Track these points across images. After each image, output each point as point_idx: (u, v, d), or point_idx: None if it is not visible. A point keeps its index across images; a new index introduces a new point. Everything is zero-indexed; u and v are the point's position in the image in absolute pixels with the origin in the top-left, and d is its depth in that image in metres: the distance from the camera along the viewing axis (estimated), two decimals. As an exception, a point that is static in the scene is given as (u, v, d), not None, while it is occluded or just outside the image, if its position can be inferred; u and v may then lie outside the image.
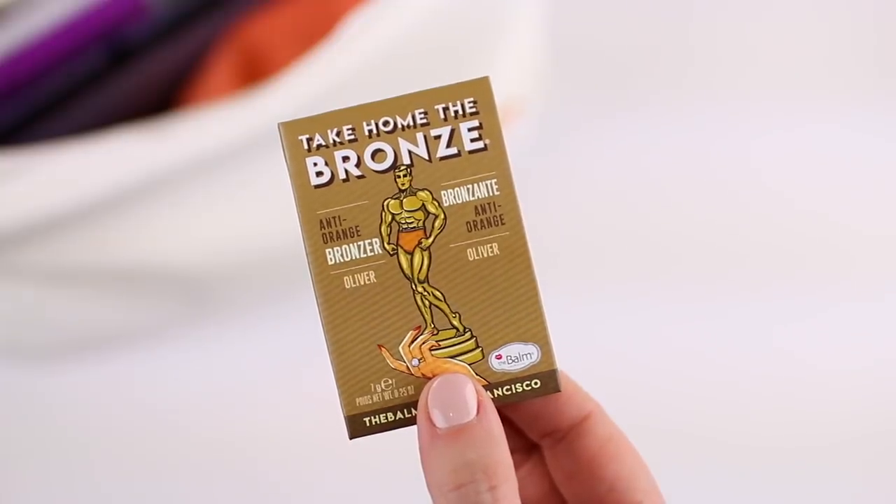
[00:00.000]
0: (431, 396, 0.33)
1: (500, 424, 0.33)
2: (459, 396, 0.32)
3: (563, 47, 0.73)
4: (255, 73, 0.61)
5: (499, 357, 0.33)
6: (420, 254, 0.33)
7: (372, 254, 0.32)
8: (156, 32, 0.61)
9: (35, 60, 0.58)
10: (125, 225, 0.57)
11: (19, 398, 0.66)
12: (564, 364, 0.34)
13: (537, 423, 0.37)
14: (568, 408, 0.36)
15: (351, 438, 0.34)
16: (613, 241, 0.70)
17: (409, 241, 0.33)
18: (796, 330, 0.67)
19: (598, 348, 0.65)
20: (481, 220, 0.32)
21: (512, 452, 0.39)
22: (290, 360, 0.65)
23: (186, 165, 0.55)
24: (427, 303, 0.33)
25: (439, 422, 0.32)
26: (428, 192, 0.32)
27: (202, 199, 0.57)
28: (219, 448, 0.65)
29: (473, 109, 0.33)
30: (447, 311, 0.33)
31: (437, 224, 0.33)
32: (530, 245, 0.33)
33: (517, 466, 0.39)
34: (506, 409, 0.36)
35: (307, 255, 0.33)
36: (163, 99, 0.62)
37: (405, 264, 0.32)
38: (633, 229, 0.71)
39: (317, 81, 0.56)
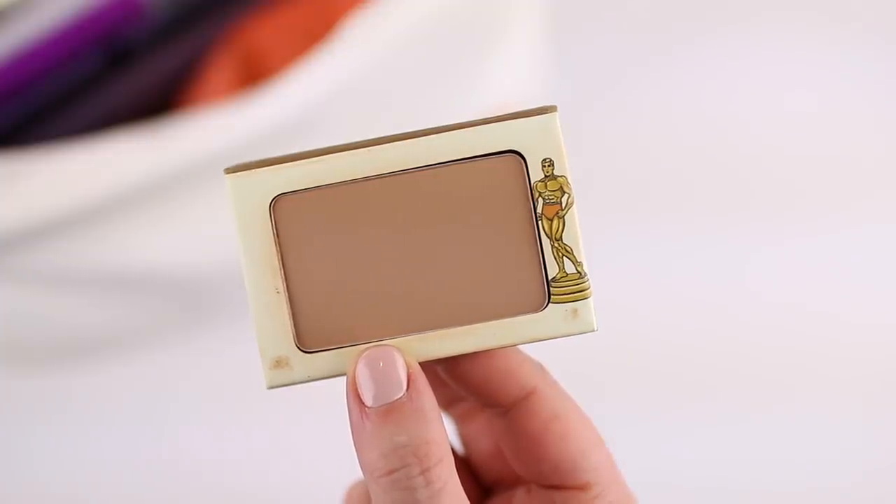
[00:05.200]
0: (360, 371, 0.32)
1: (433, 398, 0.32)
2: (389, 370, 0.32)
3: (565, 48, 0.73)
4: (254, 74, 0.61)
5: None
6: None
7: None
8: (154, 34, 0.61)
9: (33, 63, 0.57)
10: (124, 228, 0.56)
11: (17, 400, 0.66)
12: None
13: (478, 396, 0.36)
14: (506, 386, 0.35)
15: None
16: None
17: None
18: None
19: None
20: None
21: (465, 403, 0.39)
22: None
23: (186, 168, 0.55)
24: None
25: (368, 399, 0.31)
26: None
27: (202, 202, 0.57)
28: (219, 450, 0.64)
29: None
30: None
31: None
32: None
33: (471, 419, 0.39)
34: (446, 375, 0.36)
35: None
36: (162, 101, 0.62)
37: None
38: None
39: (317, 83, 0.55)
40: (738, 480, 0.64)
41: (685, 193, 0.71)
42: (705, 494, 0.64)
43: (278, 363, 0.34)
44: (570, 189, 0.33)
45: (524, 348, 0.35)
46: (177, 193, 0.56)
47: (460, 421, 0.39)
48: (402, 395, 0.31)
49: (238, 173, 0.34)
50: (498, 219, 0.34)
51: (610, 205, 0.70)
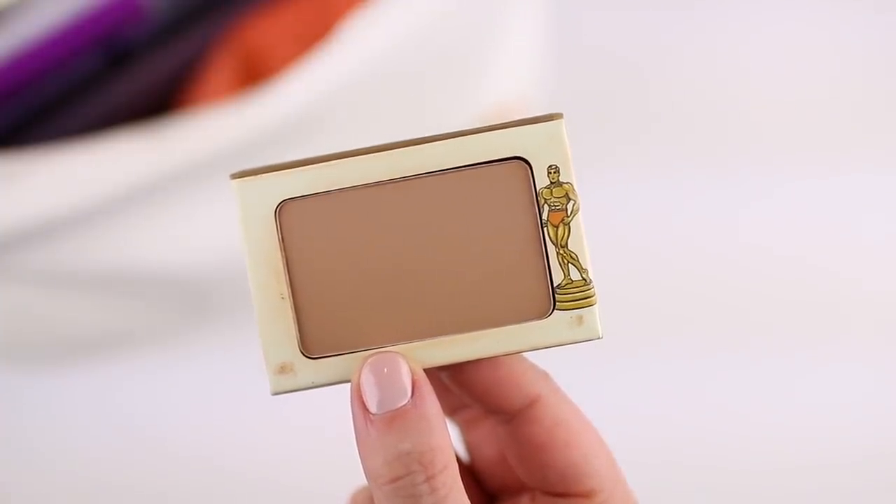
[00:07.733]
0: (364, 377, 0.32)
1: (437, 405, 0.32)
2: (394, 377, 0.32)
3: (565, 50, 0.73)
4: (254, 74, 0.61)
5: None
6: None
7: None
8: (154, 34, 0.61)
9: (33, 63, 0.57)
10: (124, 228, 0.56)
11: (15, 401, 0.66)
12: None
13: (482, 403, 0.36)
14: (510, 393, 0.35)
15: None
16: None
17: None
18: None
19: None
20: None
21: (470, 409, 0.39)
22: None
23: (186, 168, 0.55)
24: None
25: (372, 406, 0.31)
26: None
27: (202, 202, 0.57)
28: (220, 452, 0.64)
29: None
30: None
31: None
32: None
33: (475, 426, 0.39)
34: (450, 382, 0.36)
35: None
36: (162, 101, 0.62)
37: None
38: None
39: (317, 83, 0.55)
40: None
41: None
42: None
43: (283, 369, 0.34)
44: (575, 196, 0.33)
45: (529, 355, 0.35)
46: (177, 193, 0.56)
47: (465, 428, 0.39)
48: (406, 401, 0.31)
49: (244, 178, 0.34)
50: (503, 225, 0.34)
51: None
